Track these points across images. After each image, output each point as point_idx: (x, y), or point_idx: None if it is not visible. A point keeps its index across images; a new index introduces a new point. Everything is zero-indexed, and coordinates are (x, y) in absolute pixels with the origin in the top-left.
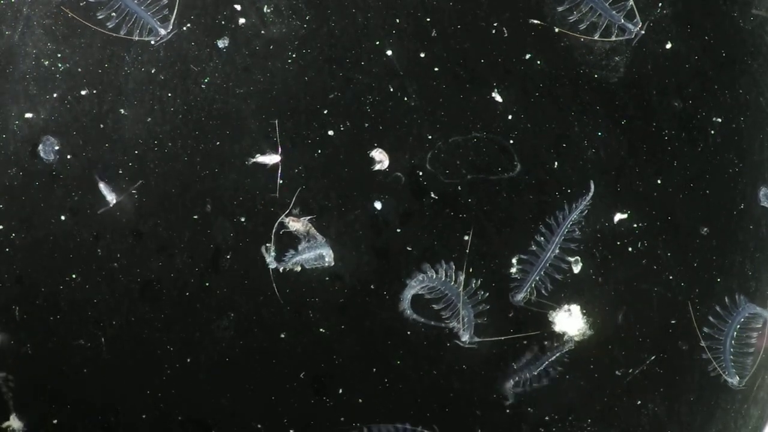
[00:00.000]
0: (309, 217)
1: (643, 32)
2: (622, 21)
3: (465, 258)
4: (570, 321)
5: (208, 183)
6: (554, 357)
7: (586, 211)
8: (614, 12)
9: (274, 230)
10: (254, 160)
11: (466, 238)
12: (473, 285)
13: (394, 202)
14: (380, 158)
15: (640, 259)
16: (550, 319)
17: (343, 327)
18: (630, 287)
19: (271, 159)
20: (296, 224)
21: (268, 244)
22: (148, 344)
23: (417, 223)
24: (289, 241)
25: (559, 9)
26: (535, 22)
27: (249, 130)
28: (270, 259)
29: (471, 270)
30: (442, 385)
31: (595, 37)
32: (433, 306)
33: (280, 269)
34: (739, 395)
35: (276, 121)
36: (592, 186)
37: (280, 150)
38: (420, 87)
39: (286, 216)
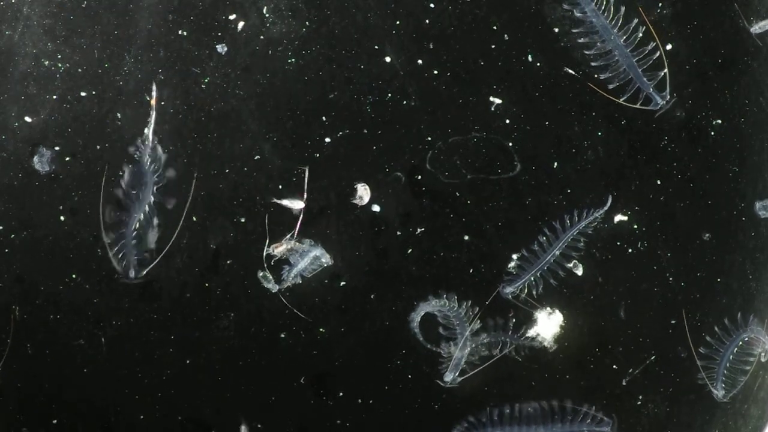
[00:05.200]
0: (288, 236)
1: (668, 106)
2: (651, 90)
3: (481, 307)
4: (548, 323)
5: (208, 183)
6: (512, 339)
7: (596, 224)
8: (645, 79)
9: (264, 262)
10: (277, 201)
11: (495, 290)
12: (482, 338)
13: (393, 203)
14: (361, 193)
15: (640, 259)
16: (533, 318)
17: (342, 327)
18: (630, 287)
19: (294, 204)
20: (281, 248)
21: (264, 273)
22: (148, 344)
23: (417, 224)
24: (280, 261)
25: (593, 64)
26: (570, 72)
27: (249, 131)
28: (270, 285)
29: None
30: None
31: (620, 100)
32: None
33: (283, 288)
34: (740, 395)
35: (306, 169)
36: (610, 200)
37: (305, 197)
38: (420, 87)
39: (269, 247)
